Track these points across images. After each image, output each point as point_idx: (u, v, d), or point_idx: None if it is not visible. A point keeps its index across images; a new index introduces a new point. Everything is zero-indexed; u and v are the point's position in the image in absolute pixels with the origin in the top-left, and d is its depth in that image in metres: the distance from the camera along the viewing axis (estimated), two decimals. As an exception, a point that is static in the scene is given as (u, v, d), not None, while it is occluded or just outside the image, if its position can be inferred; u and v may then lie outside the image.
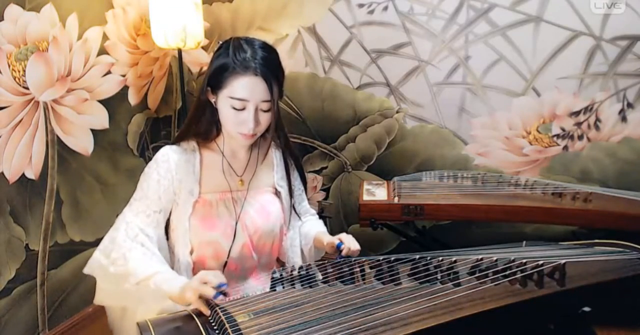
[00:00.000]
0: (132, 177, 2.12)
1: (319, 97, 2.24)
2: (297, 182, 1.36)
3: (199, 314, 0.98)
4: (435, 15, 1.99)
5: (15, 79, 1.61)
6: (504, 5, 1.90)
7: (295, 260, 1.33)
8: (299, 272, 1.08)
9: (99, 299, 1.19)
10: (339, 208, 2.38)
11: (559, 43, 1.89)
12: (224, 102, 1.13)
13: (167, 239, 1.24)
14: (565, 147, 2.00)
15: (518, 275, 1.02)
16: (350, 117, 2.23)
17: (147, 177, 1.19)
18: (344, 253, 1.15)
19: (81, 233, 1.95)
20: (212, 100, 1.17)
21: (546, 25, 1.88)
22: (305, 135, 2.32)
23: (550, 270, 1.03)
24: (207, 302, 0.99)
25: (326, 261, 1.11)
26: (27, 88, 1.65)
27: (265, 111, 1.13)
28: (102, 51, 1.95)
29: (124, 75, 2.08)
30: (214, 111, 1.18)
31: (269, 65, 1.11)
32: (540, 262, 1.03)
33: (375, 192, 1.84)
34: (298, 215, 1.36)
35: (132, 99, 2.15)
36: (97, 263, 1.15)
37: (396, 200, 1.73)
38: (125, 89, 2.10)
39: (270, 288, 1.05)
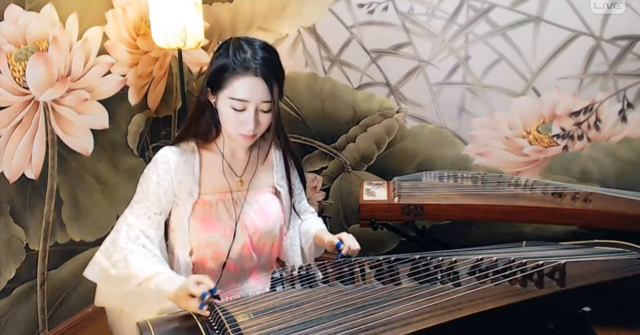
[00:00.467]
0: (132, 177, 2.12)
1: (319, 97, 2.24)
2: (297, 181, 1.36)
3: (199, 314, 0.98)
4: (435, 15, 1.99)
5: (15, 79, 1.61)
6: (504, 5, 1.90)
7: (295, 259, 1.32)
8: (298, 272, 1.08)
9: (100, 300, 1.19)
10: (339, 208, 2.38)
11: (559, 43, 1.88)
12: (223, 102, 1.12)
13: (166, 239, 1.24)
14: (565, 147, 2.00)
15: (518, 275, 1.02)
16: (350, 117, 2.23)
17: (146, 178, 1.19)
18: (343, 252, 1.15)
19: (81, 233, 1.95)
20: (212, 101, 1.16)
21: (546, 25, 1.88)
22: (305, 135, 2.32)
23: (550, 270, 1.03)
24: (210, 305, 0.98)
25: (326, 261, 1.11)
26: (27, 88, 1.65)
27: (265, 112, 1.13)
28: (102, 51, 1.95)
29: (124, 75, 2.07)
30: (214, 112, 1.18)
31: (270, 66, 1.10)
32: (540, 262, 1.03)
33: (375, 192, 1.84)
34: (298, 214, 1.36)
35: (132, 99, 2.15)
36: (98, 265, 1.15)
37: (396, 200, 1.73)
38: (125, 89, 2.10)
39: (270, 288, 1.05)
